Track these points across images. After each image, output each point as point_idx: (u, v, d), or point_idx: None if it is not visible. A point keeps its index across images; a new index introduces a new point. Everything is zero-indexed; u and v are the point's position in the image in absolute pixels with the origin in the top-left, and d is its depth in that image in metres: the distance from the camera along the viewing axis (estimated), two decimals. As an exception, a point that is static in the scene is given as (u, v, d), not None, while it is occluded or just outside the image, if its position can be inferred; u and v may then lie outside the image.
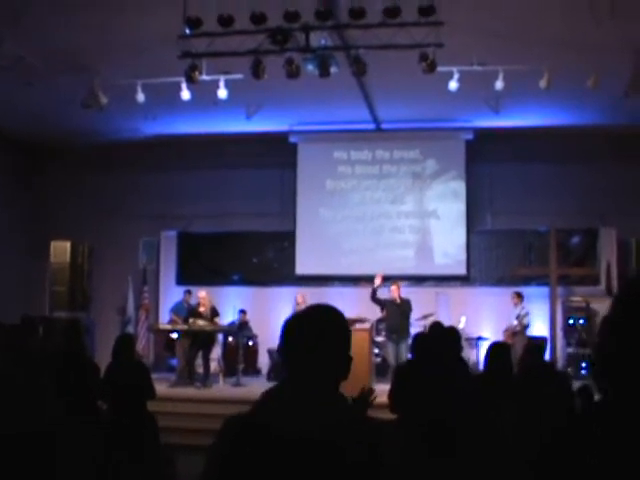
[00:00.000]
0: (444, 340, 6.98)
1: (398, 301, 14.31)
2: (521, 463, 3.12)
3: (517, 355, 13.07)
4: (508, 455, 3.23)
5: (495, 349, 6.55)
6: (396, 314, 14.31)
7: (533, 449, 3.16)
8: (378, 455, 2.28)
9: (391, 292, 14.47)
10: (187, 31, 10.65)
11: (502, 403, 3.82)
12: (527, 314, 15.24)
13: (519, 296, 15.47)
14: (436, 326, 7.90)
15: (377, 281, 14.51)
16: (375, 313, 16.00)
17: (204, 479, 2.29)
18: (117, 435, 6.69)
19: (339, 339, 2.44)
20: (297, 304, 15.83)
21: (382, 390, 8.49)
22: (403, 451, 3.35)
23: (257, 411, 2.31)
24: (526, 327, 15.26)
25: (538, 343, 13.29)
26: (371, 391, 4.93)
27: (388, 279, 15.05)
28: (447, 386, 3.74)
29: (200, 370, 14.81)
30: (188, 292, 16.36)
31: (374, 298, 14.50)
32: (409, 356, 13.11)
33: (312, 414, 2.25)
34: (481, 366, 14.60)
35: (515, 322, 15.19)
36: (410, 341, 13.16)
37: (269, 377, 16.11)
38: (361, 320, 14.39)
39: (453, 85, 12.41)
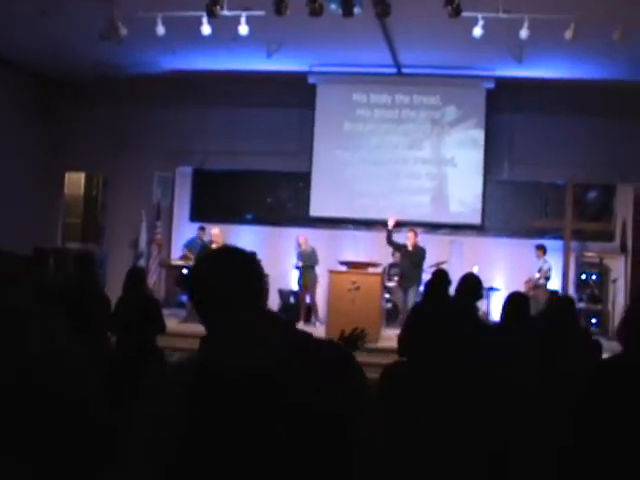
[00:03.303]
0: (459, 287, 6.92)
1: (410, 249, 14.26)
2: (541, 417, 3.10)
3: (538, 307, 13.08)
4: (521, 408, 3.20)
5: (514, 299, 6.42)
6: (407, 261, 14.30)
7: (556, 405, 3.13)
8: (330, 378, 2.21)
9: (407, 239, 14.42)
10: (210, -36, 10.52)
11: (521, 355, 3.78)
12: (550, 269, 15.15)
13: (542, 249, 15.35)
14: (438, 273, 7.80)
15: (390, 223, 14.38)
16: (387, 258, 15.98)
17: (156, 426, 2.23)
18: (123, 368, 6.70)
19: (247, 270, 2.40)
20: (299, 245, 15.81)
21: (391, 335, 8.49)
22: (408, 391, 3.33)
23: (199, 354, 2.26)
24: (547, 280, 15.20)
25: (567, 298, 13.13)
26: (362, 333, 4.85)
27: (404, 225, 15.03)
28: (458, 333, 3.69)
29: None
30: (202, 229, 16.39)
31: (389, 241, 14.46)
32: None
33: (249, 347, 2.19)
34: (492, 316, 14.70)
35: (537, 275, 15.12)
36: (420, 289, 13.20)
37: (279, 316, 16.19)
38: (373, 264, 14.39)
39: (477, 31, 12.17)
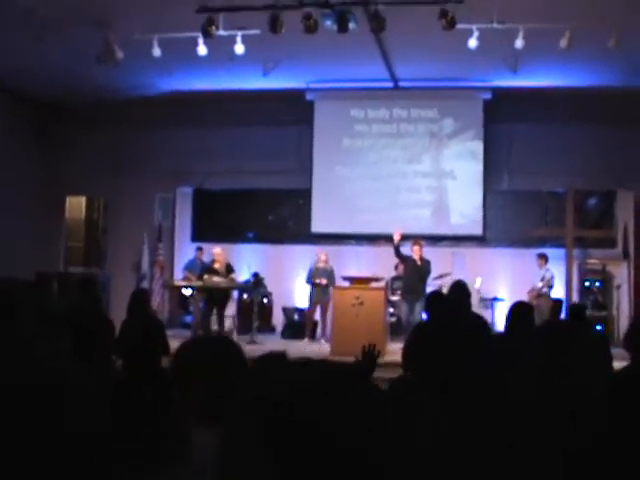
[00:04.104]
0: (459, 297, 6.90)
1: (419, 263, 14.12)
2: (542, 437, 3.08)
3: (542, 316, 13.07)
4: (522, 425, 3.18)
5: (518, 309, 6.37)
6: (413, 274, 14.15)
7: (562, 414, 3.12)
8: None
9: (413, 252, 14.29)
10: (204, -15, 10.56)
11: (526, 364, 3.77)
12: (552, 277, 15.11)
13: (544, 258, 15.31)
14: (455, 285, 7.77)
15: (396, 237, 14.23)
16: (390, 272, 15.94)
17: None
18: (130, 391, 6.69)
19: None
20: (318, 261, 15.57)
21: (396, 349, 8.46)
22: (412, 408, 3.32)
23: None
24: (550, 288, 15.15)
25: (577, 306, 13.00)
26: (374, 347, 4.79)
27: (406, 238, 14.97)
28: (463, 346, 3.67)
29: (215, 326, 14.82)
30: (199, 249, 16.39)
31: (398, 254, 14.33)
32: (423, 316, 13.13)
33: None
34: (496, 326, 14.65)
35: (540, 284, 15.08)
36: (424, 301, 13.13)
37: (283, 335, 16.14)
38: (376, 279, 14.34)
39: (473, 43, 12.21)
